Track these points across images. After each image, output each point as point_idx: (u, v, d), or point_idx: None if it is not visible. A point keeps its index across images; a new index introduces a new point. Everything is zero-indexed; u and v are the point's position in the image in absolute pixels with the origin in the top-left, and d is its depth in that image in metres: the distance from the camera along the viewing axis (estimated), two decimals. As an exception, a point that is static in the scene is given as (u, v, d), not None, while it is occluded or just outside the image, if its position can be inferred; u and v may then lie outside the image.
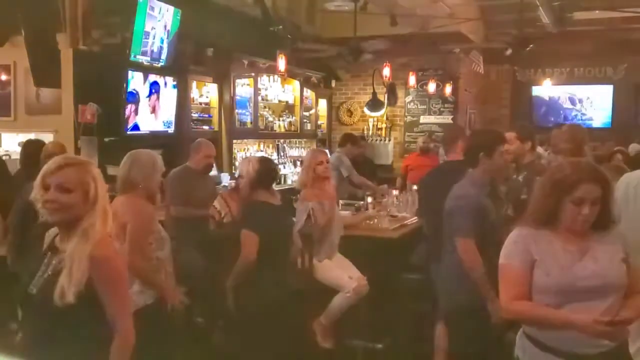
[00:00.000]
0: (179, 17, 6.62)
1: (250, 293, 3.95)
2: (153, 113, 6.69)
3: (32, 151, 5.30)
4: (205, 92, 7.80)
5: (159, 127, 6.81)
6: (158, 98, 6.72)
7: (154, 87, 6.63)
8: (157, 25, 6.39)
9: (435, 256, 4.30)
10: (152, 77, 6.60)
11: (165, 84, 6.82)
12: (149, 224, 3.52)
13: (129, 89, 6.31)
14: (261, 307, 3.93)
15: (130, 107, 6.34)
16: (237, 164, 7.41)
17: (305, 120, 9.72)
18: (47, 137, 6.48)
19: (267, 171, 4.17)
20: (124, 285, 2.31)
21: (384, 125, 10.81)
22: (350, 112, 11.04)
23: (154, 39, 6.38)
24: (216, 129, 7.82)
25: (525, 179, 4.35)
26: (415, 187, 6.54)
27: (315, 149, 5.47)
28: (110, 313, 2.19)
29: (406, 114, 10.81)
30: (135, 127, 6.44)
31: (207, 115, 7.81)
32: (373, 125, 10.86)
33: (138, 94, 6.41)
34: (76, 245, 2.14)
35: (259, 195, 4.10)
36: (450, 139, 4.46)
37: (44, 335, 2.20)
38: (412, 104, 10.76)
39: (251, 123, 8.23)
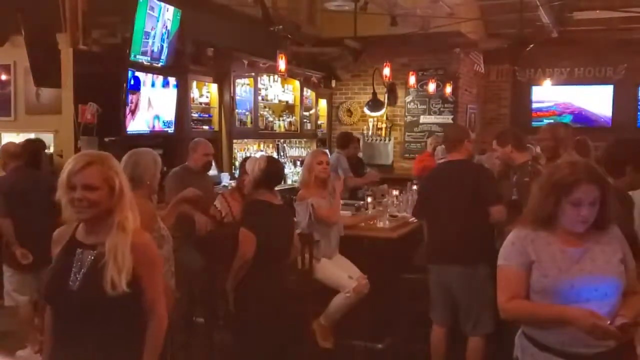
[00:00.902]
0: (179, 17, 6.62)
1: (248, 292, 3.96)
2: (132, 113, 6.42)
3: (34, 150, 5.36)
4: (205, 92, 7.80)
5: (140, 127, 6.56)
6: (139, 97, 6.49)
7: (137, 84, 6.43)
8: (157, 25, 6.39)
9: (439, 257, 4.29)
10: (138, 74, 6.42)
11: (163, 83, 6.82)
12: (150, 222, 3.51)
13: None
14: (260, 306, 3.93)
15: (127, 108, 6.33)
16: (237, 163, 7.41)
17: (305, 120, 9.71)
18: (48, 137, 6.51)
19: (273, 172, 4.17)
20: (161, 271, 2.41)
21: (384, 125, 10.81)
22: (350, 112, 11.04)
23: (154, 39, 6.38)
24: (216, 128, 7.82)
25: (516, 180, 4.39)
26: (415, 187, 6.56)
27: (316, 150, 5.50)
28: (150, 297, 2.30)
29: (406, 113, 10.80)
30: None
31: (207, 115, 7.81)
32: (373, 125, 10.85)
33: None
34: (116, 238, 2.22)
35: (260, 195, 4.11)
36: (456, 139, 4.43)
37: (93, 328, 2.24)
38: (412, 103, 10.76)
39: (251, 123, 8.23)
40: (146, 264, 2.28)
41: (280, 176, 4.31)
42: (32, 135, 6.66)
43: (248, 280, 3.96)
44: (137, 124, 6.51)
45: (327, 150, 7.82)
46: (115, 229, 2.24)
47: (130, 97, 6.31)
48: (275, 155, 8.94)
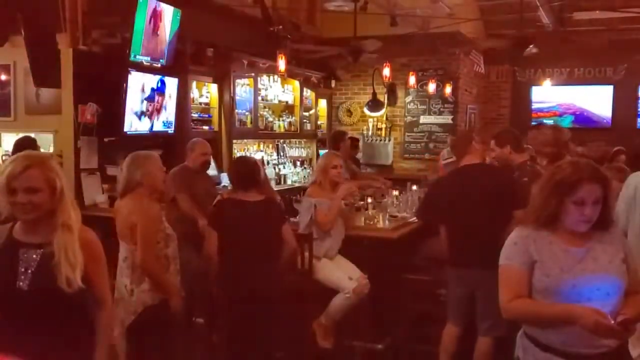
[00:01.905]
0: (178, 17, 6.62)
1: (225, 291, 4.00)
2: (157, 112, 6.71)
3: (23, 147, 5.47)
4: (205, 92, 7.79)
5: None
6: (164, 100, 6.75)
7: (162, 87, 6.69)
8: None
9: (464, 260, 4.19)
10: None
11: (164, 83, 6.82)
12: (157, 222, 3.57)
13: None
14: (231, 305, 3.96)
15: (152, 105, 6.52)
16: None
17: (305, 121, 9.71)
18: (47, 138, 6.50)
19: (234, 172, 4.18)
20: (105, 264, 2.48)
21: (383, 126, 10.80)
22: (350, 112, 11.04)
23: (154, 39, 6.38)
24: (216, 129, 7.81)
25: (516, 179, 4.39)
26: (415, 187, 6.56)
27: (331, 153, 5.45)
28: (99, 289, 2.40)
29: (406, 114, 10.80)
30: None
31: (207, 116, 7.80)
32: (373, 126, 10.85)
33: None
34: (63, 237, 2.27)
35: (236, 194, 4.08)
36: (463, 142, 4.44)
37: (46, 325, 2.27)
38: (412, 104, 10.75)
39: (251, 123, 8.22)
40: (93, 259, 2.36)
41: (243, 176, 4.08)
42: (32, 136, 6.66)
43: (223, 279, 3.98)
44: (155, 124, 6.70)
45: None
46: (60, 228, 2.28)
47: (157, 98, 6.51)
48: (275, 155, 8.97)
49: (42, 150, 6.17)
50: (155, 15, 6.28)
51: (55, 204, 2.29)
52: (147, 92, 6.47)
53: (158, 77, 6.57)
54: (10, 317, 2.30)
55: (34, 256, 2.27)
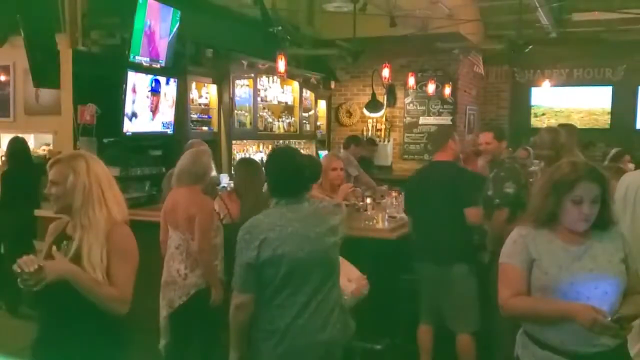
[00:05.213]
0: (178, 18, 6.62)
1: None
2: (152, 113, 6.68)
3: (19, 148, 5.52)
4: (205, 93, 7.79)
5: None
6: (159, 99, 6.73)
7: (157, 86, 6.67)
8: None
9: (418, 255, 4.46)
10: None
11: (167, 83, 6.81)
12: (213, 215, 4.00)
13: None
14: None
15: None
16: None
17: (304, 121, 9.71)
18: (47, 138, 6.50)
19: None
20: (133, 262, 2.49)
21: (383, 126, 10.81)
22: (349, 113, 11.04)
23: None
24: (215, 130, 7.81)
25: (493, 176, 4.46)
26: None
27: (332, 155, 5.48)
28: (120, 285, 2.39)
29: (405, 115, 10.80)
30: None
31: (206, 116, 7.80)
32: (372, 126, 10.86)
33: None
34: (81, 236, 2.40)
35: None
36: (441, 139, 4.59)
37: (75, 308, 2.38)
38: (411, 105, 10.76)
39: (250, 124, 8.23)
40: (119, 257, 2.42)
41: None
42: (31, 137, 6.66)
43: None
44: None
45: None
46: (79, 228, 2.43)
47: (152, 98, 6.51)
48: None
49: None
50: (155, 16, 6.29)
51: (80, 200, 2.41)
52: (145, 93, 6.46)
53: (151, 76, 6.54)
54: (46, 304, 2.44)
55: (72, 248, 2.41)
